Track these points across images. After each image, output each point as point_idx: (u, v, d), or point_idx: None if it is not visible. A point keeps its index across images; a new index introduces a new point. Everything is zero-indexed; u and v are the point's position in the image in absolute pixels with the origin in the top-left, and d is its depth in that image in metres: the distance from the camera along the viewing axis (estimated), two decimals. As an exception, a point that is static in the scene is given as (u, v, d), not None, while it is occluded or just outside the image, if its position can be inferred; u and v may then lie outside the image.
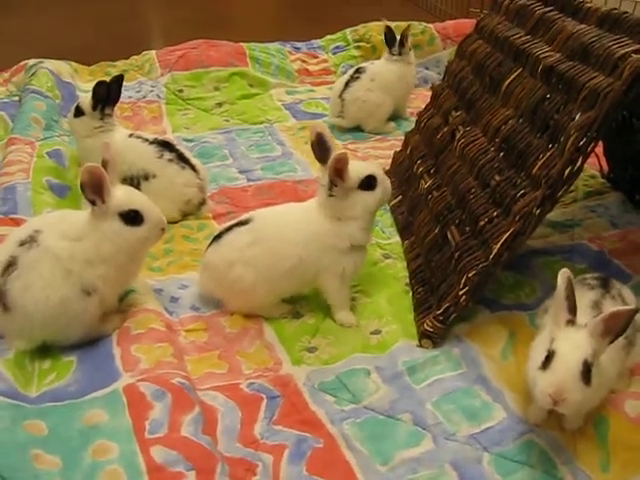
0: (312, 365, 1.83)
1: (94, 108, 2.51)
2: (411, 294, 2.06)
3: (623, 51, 1.64)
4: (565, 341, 1.47)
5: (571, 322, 1.50)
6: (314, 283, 1.98)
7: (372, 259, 2.23)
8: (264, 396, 1.73)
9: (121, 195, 1.81)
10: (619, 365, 1.64)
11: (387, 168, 2.74)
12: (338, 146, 3.00)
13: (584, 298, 1.68)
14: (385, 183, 1.98)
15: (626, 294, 1.75)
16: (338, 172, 1.86)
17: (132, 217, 1.81)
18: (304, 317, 2.00)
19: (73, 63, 3.68)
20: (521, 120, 1.93)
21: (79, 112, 2.56)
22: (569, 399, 1.41)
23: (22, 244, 1.75)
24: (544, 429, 1.63)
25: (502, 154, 1.94)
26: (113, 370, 1.71)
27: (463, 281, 1.80)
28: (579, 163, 1.67)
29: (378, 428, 1.64)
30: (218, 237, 1.98)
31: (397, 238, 2.36)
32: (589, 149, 1.65)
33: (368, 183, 1.93)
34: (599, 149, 2.70)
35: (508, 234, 1.73)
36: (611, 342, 1.48)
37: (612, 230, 2.42)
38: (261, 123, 3.27)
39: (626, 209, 2.55)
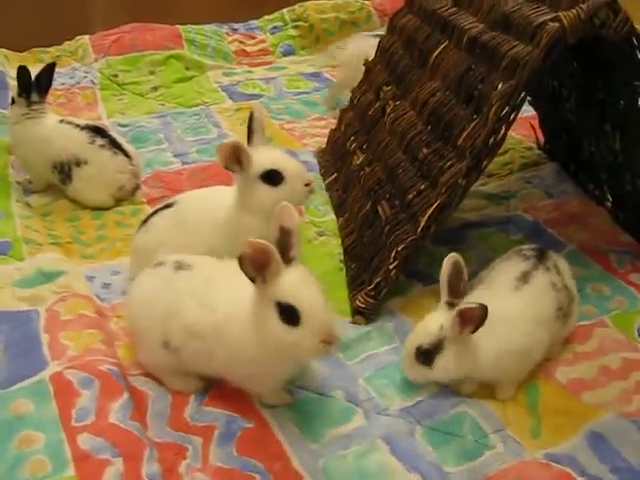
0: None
1: (19, 95, 2.44)
2: (345, 271, 2.05)
3: (541, 19, 1.65)
4: (420, 324, 1.62)
5: (450, 304, 1.58)
6: None
7: (306, 237, 2.21)
8: (196, 379, 1.71)
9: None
10: (548, 336, 1.66)
11: (323, 146, 2.72)
12: (273, 125, 2.98)
13: (516, 268, 1.69)
14: (295, 184, 1.77)
15: (562, 266, 1.76)
16: (234, 158, 1.75)
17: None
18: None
19: (4, 50, 3.57)
20: (448, 92, 1.93)
21: (12, 100, 2.49)
22: (408, 375, 1.64)
23: None
24: (476, 400, 1.64)
25: (430, 127, 1.94)
26: (40, 359, 1.66)
27: (393, 255, 1.80)
28: (502, 132, 1.68)
29: (310, 406, 1.63)
30: (145, 221, 1.96)
31: (332, 215, 2.35)
32: (511, 118, 1.65)
33: (270, 177, 1.77)
34: (535, 121, 2.73)
35: (435, 206, 1.73)
36: (473, 331, 1.53)
37: (547, 200, 2.43)
38: (197, 106, 3.22)
39: (561, 179, 2.56)
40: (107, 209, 2.40)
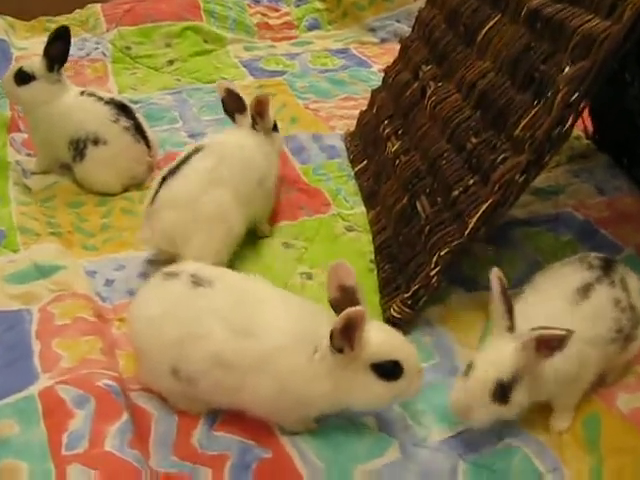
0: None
1: (50, 69, 2.16)
2: (376, 272, 1.83)
3: (621, -12, 1.39)
4: (487, 353, 1.35)
5: (510, 329, 1.34)
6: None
7: (333, 232, 2.00)
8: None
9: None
10: (601, 360, 1.44)
11: (352, 129, 2.49)
12: (298, 105, 2.75)
13: (576, 277, 1.45)
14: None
15: (631, 281, 1.50)
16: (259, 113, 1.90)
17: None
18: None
19: (8, 18, 3.37)
20: (501, 73, 1.69)
21: (27, 78, 2.16)
22: (475, 419, 1.33)
23: None
24: (528, 431, 1.42)
25: (479, 113, 1.70)
26: (29, 370, 1.45)
27: (434, 260, 1.57)
28: (569, 122, 1.44)
29: (337, 435, 1.41)
30: (171, 174, 1.80)
31: (362, 208, 2.12)
32: (581, 106, 1.41)
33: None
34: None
35: (486, 206, 1.49)
36: (549, 356, 1.31)
37: (598, 197, 2.20)
38: (215, 82, 2.96)
39: (613, 174, 2.32)
40: (113, 195, 2.18)
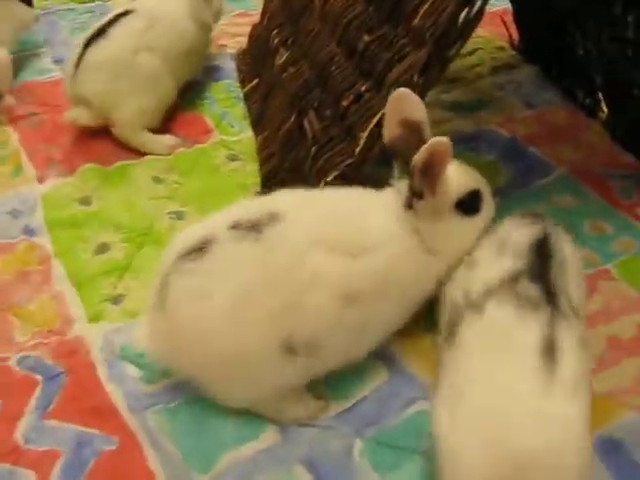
0: (114, 322, 1.28)
1: None
2: (261, 206, 1.51)
3: None
4: None
5: None
6: None
7: (213, 164, 1.68)
8: (40, 377, 1.20)
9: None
10: None
11: (244, 47, 2.15)
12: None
13: None
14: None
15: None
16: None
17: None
18: (111, 249, 1.45)
19: None
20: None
21: None
22: None
23: None
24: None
25: (373, 6, 1.38)
26: None
27: (322, 187, 1.26)
28: (478, 4, 1.12)
29: (200, 417, 1.11)
30: (97, 35, 1.73)
31: (249, 133, 1.80)
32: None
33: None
34: (507, 16, 2.25)
35: (379, 116, 1.18)
36: None
37: (526, 111, 1.95)
38: (92, 1, 2.59)
39: (542, 85, 2.06)
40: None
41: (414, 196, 1.09)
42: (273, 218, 1.05)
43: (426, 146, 1.01)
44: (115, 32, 1.74)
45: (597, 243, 1.49)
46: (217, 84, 2.03)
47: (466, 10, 1.12)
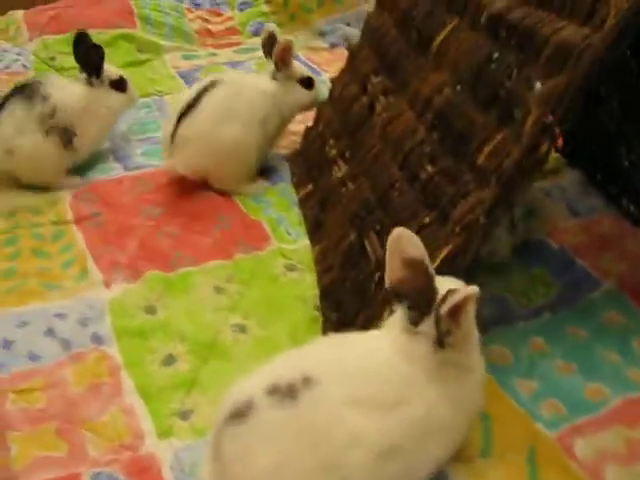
0: (184, 439, 1.32)
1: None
2: (321, 323, 1.56)
3: (601, -11, 1.15)
4: None
5: None
6: None
7: (272, 273, 1.72)
8: (113, 494, 1.23)
9: None
10: None
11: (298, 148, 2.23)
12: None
13: None
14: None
15: None
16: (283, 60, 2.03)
17: None
18: (178, 361, 1.49)
19: None
20: (459, 88, 1.44)
21: None
22: None
23: None
24: None
25: (436, 135, 1.44)
26: None
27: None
28: (544, 150, 1.18)
29: None
30: (186, 113, 1.96)
31: (306, 241, 1.84)
32: (557, 131, 1.16)
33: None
34: None
35: (446, 252, 1.24)
36: None
37: (572, 220, 1.94)
38: (149, 96, 2.69)
39: (586, 191, 2.07)
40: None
41: (444, 337, 1.09)
42: (306, 382, 1.05)
43: (457, 295, 1.03)
44: (202, 105, 1.95)
45: (646, 361, 1.49)
46: (271, 187, 2.09)
47: (530, 157, 1.18)
